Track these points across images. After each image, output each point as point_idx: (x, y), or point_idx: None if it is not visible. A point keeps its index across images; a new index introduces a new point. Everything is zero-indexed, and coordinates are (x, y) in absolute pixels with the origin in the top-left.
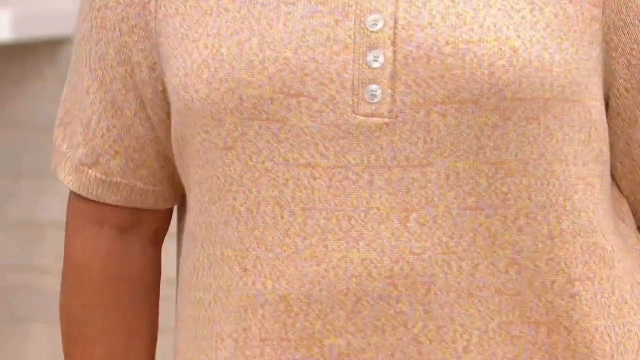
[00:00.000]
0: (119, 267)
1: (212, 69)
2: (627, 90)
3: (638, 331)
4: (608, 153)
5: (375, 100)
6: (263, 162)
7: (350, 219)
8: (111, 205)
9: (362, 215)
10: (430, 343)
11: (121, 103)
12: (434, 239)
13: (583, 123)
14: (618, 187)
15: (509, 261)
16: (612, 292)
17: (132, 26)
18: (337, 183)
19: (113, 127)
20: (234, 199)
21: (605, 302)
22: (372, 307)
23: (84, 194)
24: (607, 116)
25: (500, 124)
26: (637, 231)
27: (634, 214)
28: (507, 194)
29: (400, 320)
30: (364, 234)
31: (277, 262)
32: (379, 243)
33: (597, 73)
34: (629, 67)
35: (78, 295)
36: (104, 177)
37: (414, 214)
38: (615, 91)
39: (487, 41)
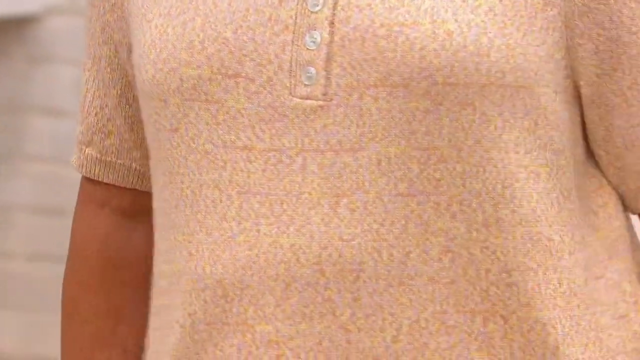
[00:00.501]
0: (117, 251)
1: (157, 50)
2: (598, 76)
3: (587, 326)
4: (563, 141)
5: (311, 82)
6: (204, 145)
7: (283, 204)
8: (112, 187)
9: (294, 200)
10: (359, 331)
11: (109, 82)
12: (364, 226)
13: (528, 110)
14: (606, 177)
15: (442, 249)
16: (559, 283)
17: (112, 4)
18: (272, 167)
19: (105, 105)
20: (182, 182)
21: (550, 293)
22: (301, 294)
23: (83, 172)
24: (583, 104)
25: (432, 109)
26: (622, 225)
27: (627, 204)
28: (439, 180)
29: (328, 308)
30: (295, 219)
31: (214, 246)
32: (308, 229)
33: (554, 59)
34: (597, 53)
35: (75, 274)
36: (99, 156)
37: (345, 200)
38: (587, 79)
39: (421, 24)
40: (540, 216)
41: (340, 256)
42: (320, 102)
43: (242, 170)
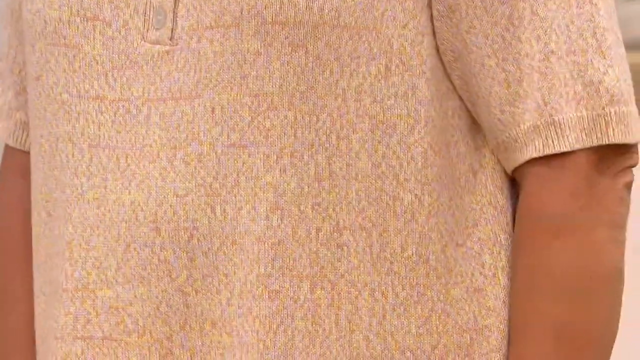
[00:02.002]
0: None
1: None
2: (438, 19)
3: (434, 297)
4: (431, 90)
5: (160, 25)
6: (61, 94)
7: (127, 157)
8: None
9: (138, 153)
10: (196, 294)
11: (20, 35)
12: (197, 180)
13: (376, 54)
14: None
15: (271, 205)
16: (403, 247)
17: None
18: (120, 118)
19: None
20: (41, 135)
21: (385, 256)
22: (139, 256)
23: (10, 142)
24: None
25: (262, 51)
26: (498, 190)
27: (503, 160)
28: (270, 130)
29: (164, 270)
30: (137, 173)
31: (67, 204)
32: (147, 184)
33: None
34: None
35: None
36: (27, 120)
37: (181, 152)
38: (432, 25)
39: None
40: (385, 171)
41: (174, 214)
42: (167, 47)
43: (93, 122)
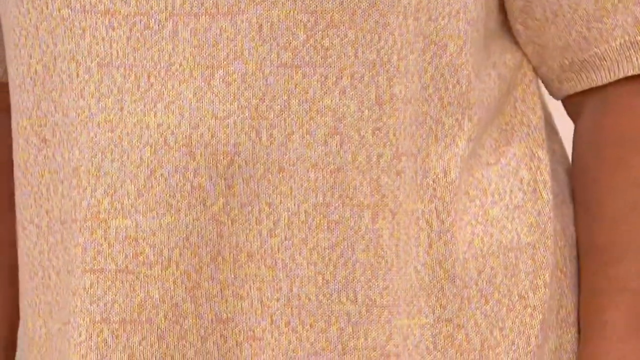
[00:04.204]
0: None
1: None
2: None
3: (473, 219)
4: (478, 10)
5: None
6: (59, 10)
7: (150, 77)
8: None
9: (163, 72)
10: (232, 224)
11: None
12: (241, 101)
13: None
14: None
15: (329, 130)
16: (445, 172)
17: None
18: (138, 34)
19: None
20: (30, 55)
21: (427, 182)
22: (167, 182)
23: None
24: None
25: None
26: (532, 108)
27: (547, 88)
28: (328, 49)
29: (197, 197)
30: (163, 94)
31: (71, 128)
32: (178, 105)
33: None
34: None
35: None
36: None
37: (220, 71)
38: None
39: None
40: (432, 95)
41: (212, 137)
42: None
43: (103, 39)
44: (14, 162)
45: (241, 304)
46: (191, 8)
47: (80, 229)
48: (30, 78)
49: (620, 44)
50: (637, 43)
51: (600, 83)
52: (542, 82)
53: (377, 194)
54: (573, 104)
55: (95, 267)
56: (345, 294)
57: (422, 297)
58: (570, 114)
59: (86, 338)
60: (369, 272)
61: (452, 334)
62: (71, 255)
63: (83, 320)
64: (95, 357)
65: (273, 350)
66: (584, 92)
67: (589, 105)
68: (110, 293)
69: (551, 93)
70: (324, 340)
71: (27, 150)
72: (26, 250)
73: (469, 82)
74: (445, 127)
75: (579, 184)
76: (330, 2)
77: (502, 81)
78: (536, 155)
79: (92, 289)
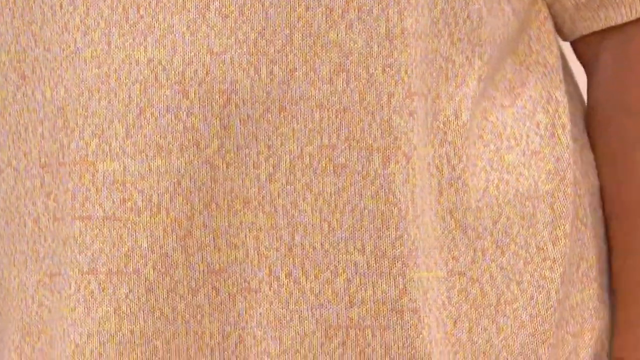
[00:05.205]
0: None
1: None
2: None
3: (487, 166)
4: None
5: None
6: None
7: (140, 8)
8: None
9: (154, 3)
10: (227, 167)
11: None
12: (238, 35)
13: None
14: None
15: (335, 67)
16: (456, 114)
17: None
18: None
19: None
20: None
21: (438, 125)
22: (157, 122)
23: None
24: None
25: None
26: (548, 47)
27: (559, 27)
28: None
29: (190, 139)
30: (154, 27)
31: (55, 64)
32: (170, 39)
33: None
34: None
35: None
36: None
37: (216, 3)
38: None
39: None
40: (442, 31)
41: (207, 74)
42: None
43: None
44: None
45: (235, 254)
46: None
47: (70, 173)
48: (9, 9)
49: None
50: None
51: (619, 22)
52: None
53: (388, 136)
54: (586, 46)
55: (84, 214)
56: (352, 243)
57: (436, 248)
58: (582, 57)
59: (75, 290)
60: (379, 220)
61: (465, 288)
62: (60, 202)
63: (72, 271)
64: (83, 311)
65: (271, 303)
66: (600, 33)
67: (607, 47)
68: (98, 242)
69: (561, 34)
70: (330, 292)
71: (5, 88)
72: (3, 194)
73: (480, 18)
74: (455, 66)
75: (600, 135)
76: None
77: (516, 17)
78: (553, 97)
79: (80, 238)
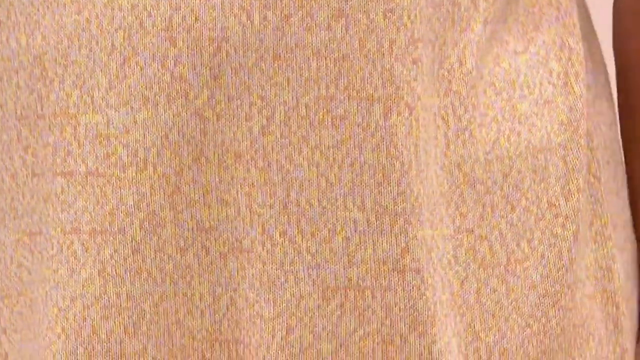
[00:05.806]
0: None
1: None
2: None
3: (498, 115)
4: None
5: None
6: None
7: None
8: None
9: None
10: (218, 119)
11: None
12: None
13: None
14: None
15: (334, 12)
16: (461, 61)
17: None
18: None
19: None
20: None
21: (443, 73)
22: (142, 72)
23: None
24: None
25: None
26: None
27: None
28: None
29: (178, 89)
30: None
31: (31, 9)
32: None
33: None
34: None
35: None
36: None
37: None
38: None
39: None
40: None
41: (196, 19)
42: None
43: None
44: None
45: (226, 211)
46: None
47: (49, 126)
48: None
49: None
50: None
51: None
52: None
53: (390, 86)
54: None
55: (66, 169)
56: (351, 199)
57: (442, 204)
58: None
59: (57, 251)
60: (380, 175)
61: (474, 247)
62: (39, 157)
63: (54, 230)
64: (66, 273)
65: (264, 263)
66: None
67: None
68: (80, 199)
69: None
70: (328, 250)
71: None
72: None
73: None
74: (461, 9)
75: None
76: None
77: None
78: (566, 43)
79: (62, 195)
